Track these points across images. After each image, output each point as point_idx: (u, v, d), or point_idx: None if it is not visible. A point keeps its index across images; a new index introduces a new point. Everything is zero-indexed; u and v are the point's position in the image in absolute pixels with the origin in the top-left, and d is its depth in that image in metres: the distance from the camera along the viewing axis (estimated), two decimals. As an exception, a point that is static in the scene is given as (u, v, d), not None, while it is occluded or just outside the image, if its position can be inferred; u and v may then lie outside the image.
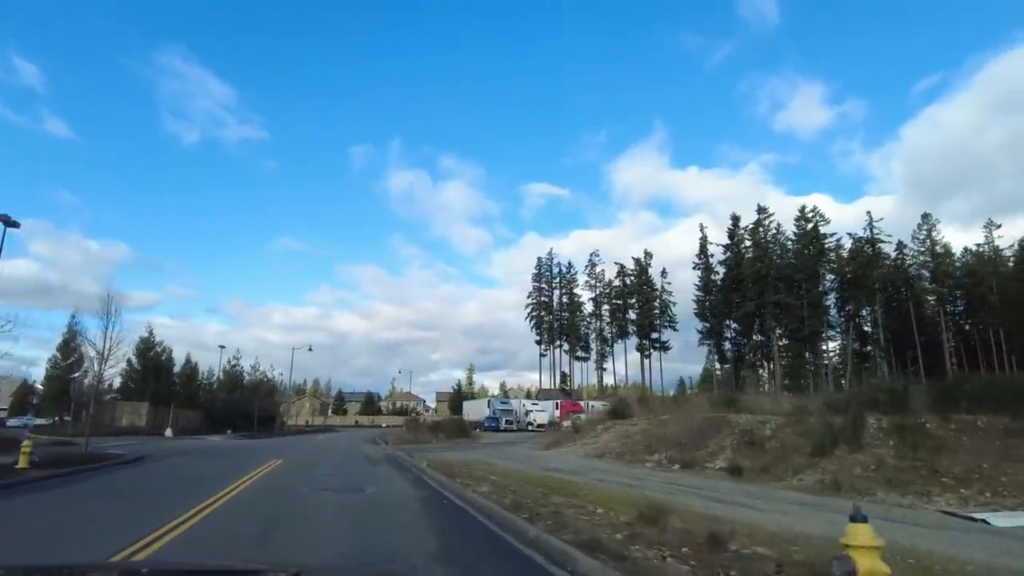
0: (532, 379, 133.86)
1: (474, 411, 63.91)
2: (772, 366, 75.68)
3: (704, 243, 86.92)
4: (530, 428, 60.09)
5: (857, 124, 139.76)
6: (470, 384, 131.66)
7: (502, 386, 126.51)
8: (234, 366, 58.70)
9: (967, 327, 79.96)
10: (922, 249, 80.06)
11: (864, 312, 78.75)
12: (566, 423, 55.68)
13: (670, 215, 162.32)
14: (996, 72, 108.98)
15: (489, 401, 63.35)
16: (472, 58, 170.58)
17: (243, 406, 50.79)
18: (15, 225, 18.65)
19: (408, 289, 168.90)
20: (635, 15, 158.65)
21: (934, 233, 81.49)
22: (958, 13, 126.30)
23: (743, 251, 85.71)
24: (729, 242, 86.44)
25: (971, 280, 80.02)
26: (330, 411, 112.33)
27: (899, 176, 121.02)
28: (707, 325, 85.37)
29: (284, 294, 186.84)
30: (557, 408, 63.68)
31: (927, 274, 79.90)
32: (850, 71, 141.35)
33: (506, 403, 62.56)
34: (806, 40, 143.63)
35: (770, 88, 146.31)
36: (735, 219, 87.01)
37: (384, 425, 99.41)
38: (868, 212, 76.09)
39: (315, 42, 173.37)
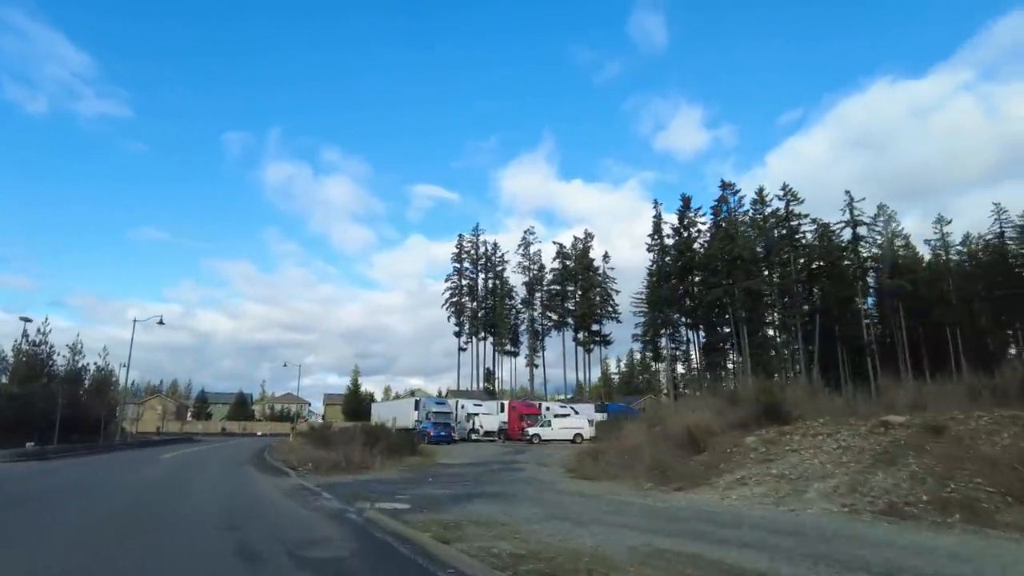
0: (414, 384, 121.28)
1: (391, 414, 47.60)
2: (741, 359, 65.07)
3: (658, 222, 75.62)
4: (474, 437, 45.14)
5: (730, 149, 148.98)
6: (354, 386, 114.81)
7: (386, 391, 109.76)
8: (36, 345, 38.64)
9: (916, 328, 73.71)
10: (879, 240, 73.12)
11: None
12: (533, 430, 41.24)
13: (555, 225, 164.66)
14: (846, 112, 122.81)
15: (418, 402, 47.48)
16: (362, 51, 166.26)
17: (54, 405, 31.58)
18: None
19: (282, 288, 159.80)
20: (530, 25, 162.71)
21: (893, 225, 75.08)
22: (818, 55, 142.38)
23: (692, 235, 75.61)
24: (678, 224, 75.84)
25: (932, 275, 74.51)
26: (189, 415, 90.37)
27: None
28: (660, 315, 74.01)
29: (143, 289, 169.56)
30: (503, 410, 49.09)
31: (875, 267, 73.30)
32: (726, 99, 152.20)
33: (443, 404, 47.09)
34: (689, 66, 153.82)
35: (654, 108, 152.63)
36: (685, 200, 76.68)
37: (261, 433, 79.75)
38: (847, 192, 67.99)
39: (191, 18, 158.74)
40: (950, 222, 78.34)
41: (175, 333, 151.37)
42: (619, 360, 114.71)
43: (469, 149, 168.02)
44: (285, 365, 59.59)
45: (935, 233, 77.58)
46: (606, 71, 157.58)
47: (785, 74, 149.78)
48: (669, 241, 75.06)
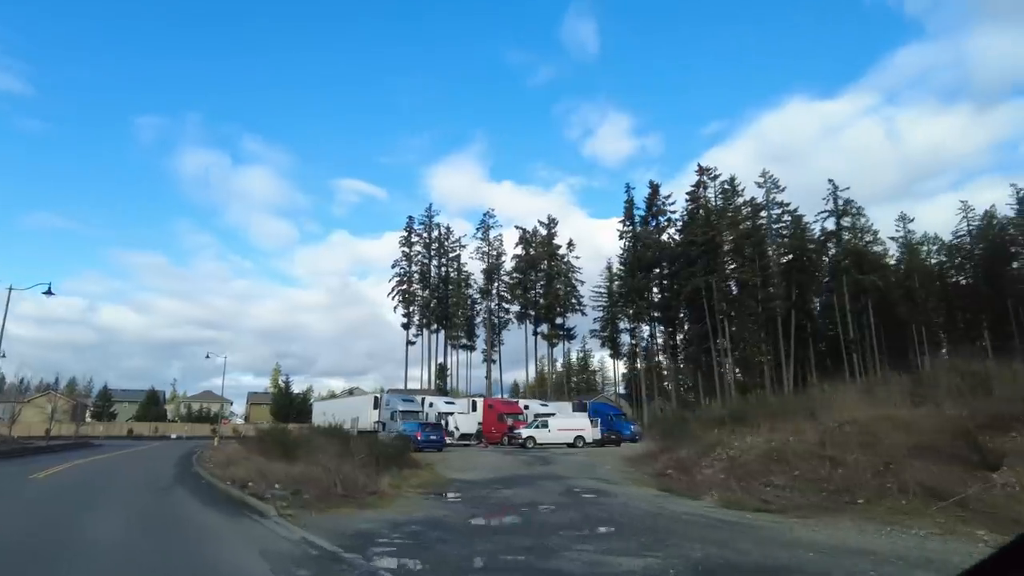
0: (333, 385, 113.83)
1: (343, 414, 39.55)
2: (725, 359, 60.40)
3: (630, 207, 70.38)
4: (448, 441, 37.68)
5: (655, 157, 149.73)
6: (276, 387, 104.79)
7: (307, 391, 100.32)
8: None
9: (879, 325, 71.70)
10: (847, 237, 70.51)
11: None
12: (526, 432, 34.38)
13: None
14: (765, 127, 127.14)
15: (379, 399, 39.69)
16: (289, 39, 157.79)
17: None
18: None
19: (196, 282, 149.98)
20: (464, 24, 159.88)
21: (861, 220, 72.59)
22: (741, 70, 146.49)
23: (661, 224, 70.99)
24: (646, 213, 70.95)
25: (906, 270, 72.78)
26: (88, 415, 77.87)
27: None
28: (633, 310, 68.72)
29: (39, 280, 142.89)
30: (475, 409, 42.12)
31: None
32: (653, 108, 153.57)
33: (411, 401, 39.51)
34: (618, 74, 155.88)
35: (583, 114, 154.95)
36: (654, 187, 71.86)
37: (176, 436, 69.14)
38: (831, 180, 64.83)
39: None
40: (912, 220, 77.37)
41: (76, 329, 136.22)
42: (555, 360, 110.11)
43: (399, 145, 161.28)
44: (208, 356, 49.62)
45: (897, 231, 76.23)
46: (539, 75, 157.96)
47: (710, 87, 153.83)
48: (638, 229, 69.95)
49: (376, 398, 40.03)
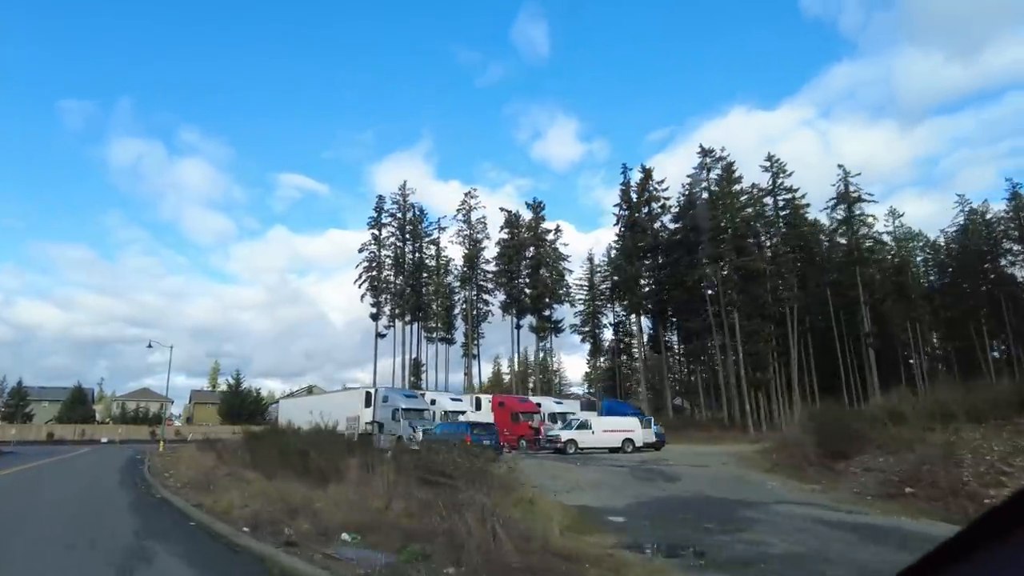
0: (269, 386, 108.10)
1: (321, 413, 32.42)
2: (734, 353, 55.61)
3: (627, 190, 65.05)
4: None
5: (601, 162, 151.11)
6: (213, 384, 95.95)
7: (258, 391, 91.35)
8: None
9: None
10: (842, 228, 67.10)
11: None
12: (566, 434, 28.16)
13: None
14: (707, 135, 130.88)
15: (371, 393, 32.59)
16: (229, 25, 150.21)
17: None
18: None
19: (125, 278, 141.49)
20: (413, 18, 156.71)
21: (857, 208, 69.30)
22: (686, 79, 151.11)
23: (654, 211, 66.16)
24: (637, 198, 65.94)
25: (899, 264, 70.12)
26: (-1, 418, 67.04)
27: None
28: (629, 300, 63.44)
29: None
30: (479, 407, 35.78)
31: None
32: (600, 113, 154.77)
33: (414, 397, 32.77)
34: (567, 79, 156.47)
35: (532, 116, 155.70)
36: (647, 172, 66.89)
37: (107, 440, 59.78)
38: (841, 166, 61.09)
39: None
40: (902, 215, 75.05)
41: None
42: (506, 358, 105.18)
43: (342, 140, 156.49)
44: (150, 345, 41.17)
45: (886, 226, 73.60)
46: (488, 75, 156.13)
47: (656, 94, 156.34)
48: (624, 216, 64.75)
49: (368, 394, 32.96)
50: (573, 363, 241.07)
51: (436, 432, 23.59)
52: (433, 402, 33.67)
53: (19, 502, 13.08)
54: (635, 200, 65.96)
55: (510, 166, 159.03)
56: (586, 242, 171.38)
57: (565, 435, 27.35)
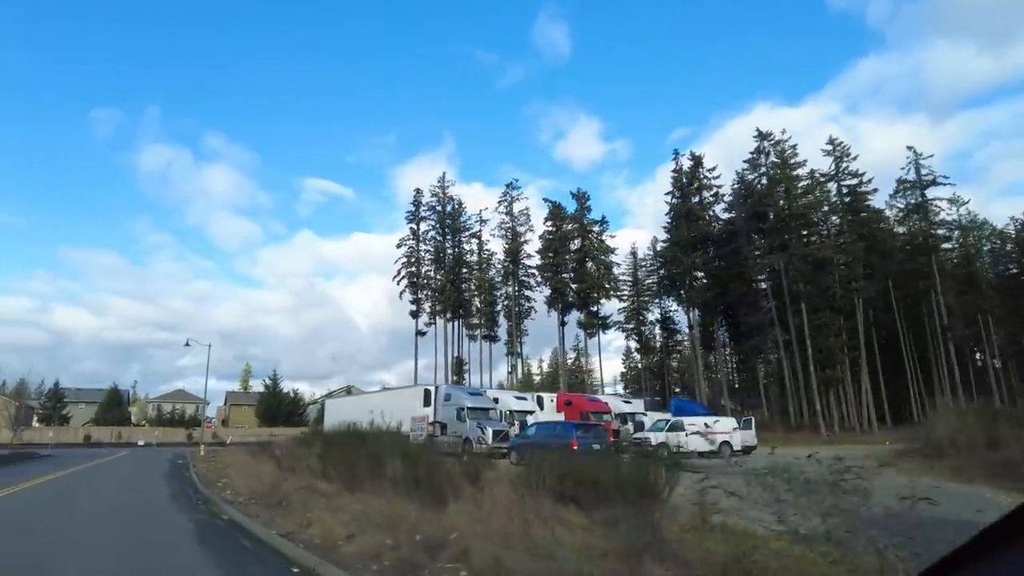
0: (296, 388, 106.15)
1: (375, 413, 29.73)
2: (800, 349, 51.88)
3: (680, 177, 61.60)
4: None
5: (623, 162, 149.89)
6: (246, 387, 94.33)
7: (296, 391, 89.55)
8: None
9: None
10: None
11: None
12: (658, 437, 25.04)
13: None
14: (730, 133, 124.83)
15: (429, 391, 29.83)
16: (253, 32, 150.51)
17: None
18: None
19: (154, 283, 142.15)
20: (434, 22, 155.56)
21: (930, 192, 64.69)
22: (708, 76, 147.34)
23: (706, 200, 62.62)
24: (687, 184, 62.39)
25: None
26: (35, 420, 65.81)
27: (651, 213, 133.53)
28: (684, 293, 60.03)
29: None
30: (540, 406, 32.73)
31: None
32: (622, 113, 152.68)
33: (479, 395, 29.94)
34: (589, 78, 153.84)
35: (554, 117, 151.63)
36: (696, 159, 63.37)
37: (144, 443, 58.09)
38: (911, 147, 56.95)
39: None
40: (967, 202, 70.22)
41: (25, 331, 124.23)
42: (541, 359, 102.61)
43: (365, 144, 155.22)
44: (187, 344, 38.79)
45: (948, 214, 68.84)
46: (509, 77, 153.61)
47: (678, 92, 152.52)
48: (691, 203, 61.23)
49: (427, 392, 30.16)
50: (602, 363, 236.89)
51: (529, 434, 20.55)
52: (496, 401, 30.74)
53: (54, 522, 10.41)
54: (685, 187, 62.60)
55: (532, 167, 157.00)
56: (610, 243, 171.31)
57: (656, 438, 24.20)
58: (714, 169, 62.78)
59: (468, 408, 27.17)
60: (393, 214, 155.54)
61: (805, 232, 56.30)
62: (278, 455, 18.62)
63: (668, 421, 26.46)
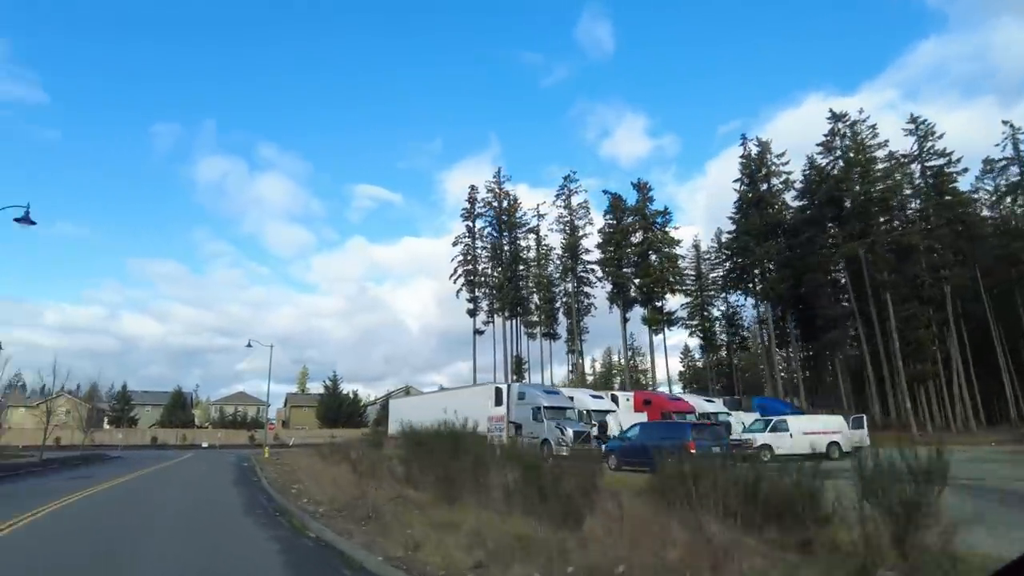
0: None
1: (442, 412, 28.22)
2: (887, 343, 48.18)
3: (748, 163, 58.46)
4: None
5: (671, 158, 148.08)
6: (303, 390, 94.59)
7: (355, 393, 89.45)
8: None
9: None
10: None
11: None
12: (761, 438, 22.69)
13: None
14: (781, 125, 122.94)
15: (501, 389, 28.21)
16: (302, 44, 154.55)
17: None
18: None
19: (212, 290, 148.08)
20: (477, 26, 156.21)
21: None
22: (757, 68, 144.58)
23: (775, 188, 59.21)
24: (756, 170, 59.09)
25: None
26: (106, 422, 67.23)
27: (702, 208, 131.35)
28: (759, 286, 56.89)
29: (61, 290, 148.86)
30: (614, 403, 30.60)
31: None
32: (670, 108, 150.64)
33: (556, 394, 28.16)
34: (634, 74, 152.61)
35: (599, 115, 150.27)
36: (764, 145, 60.03)
37: (207, 444, 58.36)
38: (1006, 122, 52.37)
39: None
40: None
41: (98, 338, 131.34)
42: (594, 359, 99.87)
43: (413, 150, 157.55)
44: (249, 345, 38.07)
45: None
46: (553, 76, 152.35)
47: (726, 86, 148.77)
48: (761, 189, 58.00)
49: (499, 390, 28.48)
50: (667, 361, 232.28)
51: (631, 435, 18.51)
52: (571, 399, 28.80)
53: (125, 540, 9.01)
54: (754, 173, 59.46)
55: (578, 166, 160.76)
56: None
57: (759, 439, 21.84)
58: (783, 155, 59.55)
59: (545, 407, 25.31)
60: (441, 218, 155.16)
61: (884, 218, 52.46)
62: (354, 458, 17.12)
63: (768, 421, 23.99)
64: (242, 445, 60.31)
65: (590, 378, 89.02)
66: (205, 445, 58.89)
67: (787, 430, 22.54)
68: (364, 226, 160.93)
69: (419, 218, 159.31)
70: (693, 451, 15.22)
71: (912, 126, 54.51)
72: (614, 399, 32.00)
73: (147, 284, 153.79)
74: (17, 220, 18.80)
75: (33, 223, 19.16)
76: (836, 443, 22.81)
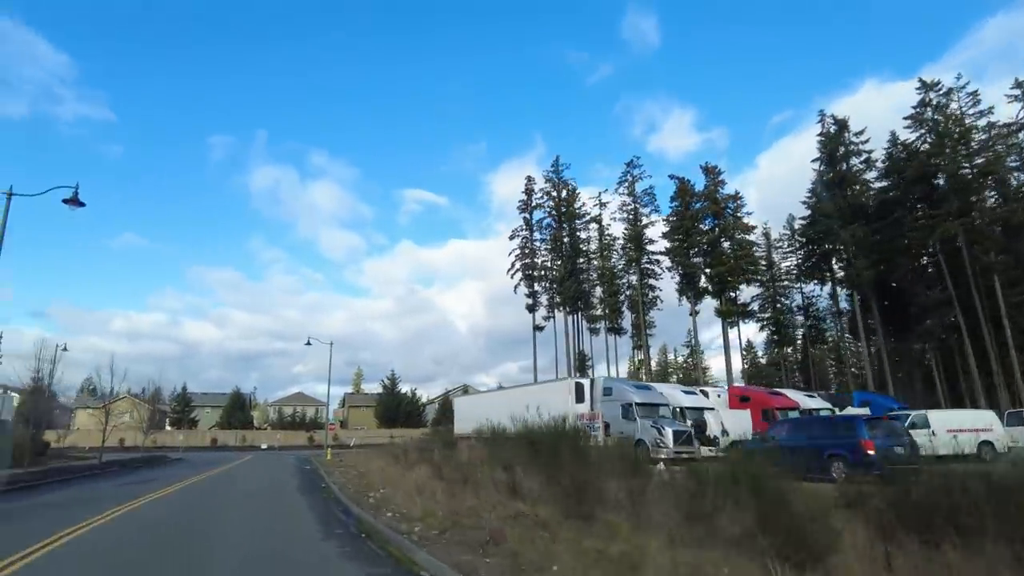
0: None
1: (512, 411, 25.61)
2: (999, 330, 43.46)
3: (828, 142, 54.21)
4: (708, 450, 22.96)
5: (721, 150, 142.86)
6: (358, 390, 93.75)
7: (414, 391, 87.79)
8: None
9: None
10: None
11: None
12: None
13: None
14: (837, 113, 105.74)
15: (582, 384, 25.63)
16: (347, 53, 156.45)
17: None
18: None
19: (268, 295, 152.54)
20: (520, 26, 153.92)
21: None
22: (808, 56, 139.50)
23: (855, 168, 54.68)
24: (835, 149, 54.66)
25: None
26: (168, 424, 67.39)
27: (754, 202, 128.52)
28: (845, 271, 52.65)
29: (126, 298, 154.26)
30: (703, 397, 27.55)
31: None
32: (718, 101, 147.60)
33: (647, 389, 25.46)
34: (680, 68, 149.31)
35: (645, 110, 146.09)
36: (841, 123, 55.55)
37: (267, 446, 57.62)
38: None
39: (171, 16, 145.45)
40: None
41: (160, 343, 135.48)
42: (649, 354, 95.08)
43: (458, 153, 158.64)
44: (308, 343, 36.31)
45: None
46: (598, 72, 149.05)
47: (776, 76, 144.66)
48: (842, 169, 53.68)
49: (579, 386, 25.84)
50: (710, 359, 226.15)
51: (774, 436, 15.55)
52: (660, 394, 25.91)
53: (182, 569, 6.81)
54: (831, 151, 55.19)
55: (625, 163, 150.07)
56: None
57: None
58: (862, 132, 55.01)
59: (637, 404, 22.54)
60: (487, 219, 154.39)
61: (987, 194, 47.59)
62: (437, 461, 14.76)
63: (909, 417, 20.61)
64: (301, 446, 59.33)
65: (644, 377, 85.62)
66: (264, 446, 58.11)
67: (928, 427, 19.19)
68: (412, 229, 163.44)
69: (465, 220, 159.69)
70: (871, 452, 12.34)
71: (1018, 91, 49.36)
72: (704, 395, 28.99)
73: (207, 291, 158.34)
74: (65, 201, 17.21)
75: (82, 204, 17.49)
76: (989, 442, 19.32)
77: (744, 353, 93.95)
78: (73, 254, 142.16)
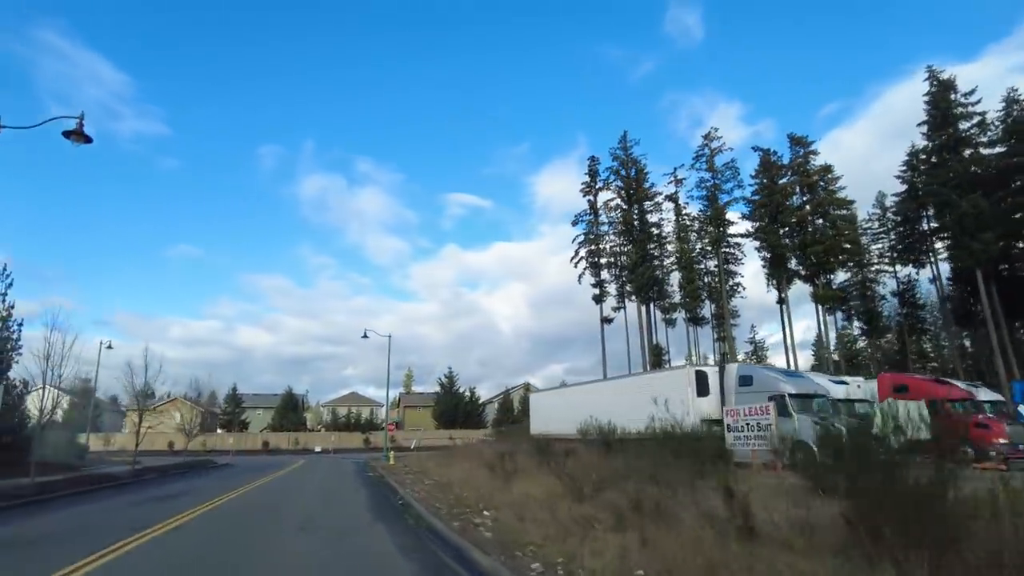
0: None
1: (608, 408, 20.73)
2: None
3: (936, 104, 47.69)
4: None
5: (770, 142, 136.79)
6: (408, 391, 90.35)
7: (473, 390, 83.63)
8: None
9: None
10: None
11: None
12: None
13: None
14: (891, 102, 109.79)
15: (705, 374, 20.81)
16: (390, 58, 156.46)
17: None
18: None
19: (318, 301, 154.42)
20: (560, 25, 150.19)
21: None
22: (860, 43, 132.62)
23: (965, 134, 47.87)
24: (938, 115, 48.02)
25: None
26: (218, 427, 64.79)
27: None
28: (962, 250, 46.04)
29: (182, 306, 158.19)
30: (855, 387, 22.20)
31: None
32: (765, 93, 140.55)
33: (799, 377, 20.54)
34: (726, 60, 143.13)
35: (691, 106, 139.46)
36: (945, 84, 48.79)
37: (321, 449, 54.34)
38: None
39: (222, 32, 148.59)
40: None
41: (215, 349, 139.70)
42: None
43: (500, 155, 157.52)
44: (365, 336, 32.31)
45: None
46: (642, 69, 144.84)
47: (824, 65, 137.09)
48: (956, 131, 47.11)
49: (701, 375, 20.90)
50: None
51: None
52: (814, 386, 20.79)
53: None
54: (935, 115, 48.64)
55: (672, 159, 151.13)
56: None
57: None
58: (972, 93, 48.25)
59: (791, 396, 17.52)
60: (530, 221, 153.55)
61: None
62: (560, 473, 10.10)
63: None
64: (357, 449, 55.80)
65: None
66: (318, 449, 54.72)
67: None
68: (456, 233, 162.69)
69: (509, 222, 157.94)
70: None
71: None
72: (853, 384, 23.70)
73: (258, 298, 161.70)
74: (66, 134, 13.47)
75: (89, 140, 13.78)
76: None
77: (815, 347, 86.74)
78: (134, 265, 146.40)
